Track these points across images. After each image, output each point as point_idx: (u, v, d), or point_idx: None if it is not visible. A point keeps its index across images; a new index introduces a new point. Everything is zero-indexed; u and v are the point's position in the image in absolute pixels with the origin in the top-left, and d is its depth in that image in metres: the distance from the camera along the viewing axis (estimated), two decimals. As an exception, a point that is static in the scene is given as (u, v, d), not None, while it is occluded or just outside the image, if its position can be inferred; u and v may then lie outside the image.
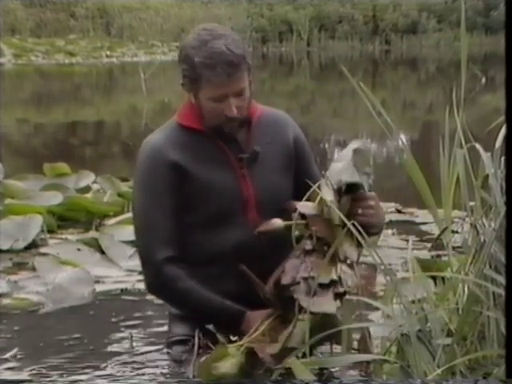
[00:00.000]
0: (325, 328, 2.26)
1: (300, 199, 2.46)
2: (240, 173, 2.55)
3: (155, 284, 2.53)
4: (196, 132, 2.55)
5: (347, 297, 2.30)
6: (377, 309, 2.66)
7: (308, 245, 2.33)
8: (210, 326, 2.50)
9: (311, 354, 2.31)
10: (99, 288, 3.79)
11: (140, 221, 2.56)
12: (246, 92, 2.51)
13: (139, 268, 4.01)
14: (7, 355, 2.88)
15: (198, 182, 2.51)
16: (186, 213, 2.52)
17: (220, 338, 2.44)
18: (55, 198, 5.03)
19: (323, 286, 2.26)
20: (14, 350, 2.92)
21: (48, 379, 2.65)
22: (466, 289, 2.33)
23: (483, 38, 26.98)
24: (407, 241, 4.32)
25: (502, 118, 2.21)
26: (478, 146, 2.32)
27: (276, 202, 2.52)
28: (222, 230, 2.51)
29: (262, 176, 2.55)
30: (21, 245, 4.41)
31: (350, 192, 2.39)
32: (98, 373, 2.70)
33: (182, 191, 2.51)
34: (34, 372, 2.74)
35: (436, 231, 2.80)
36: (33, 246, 4.44)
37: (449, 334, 2.23)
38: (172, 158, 2.50)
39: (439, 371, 2.11)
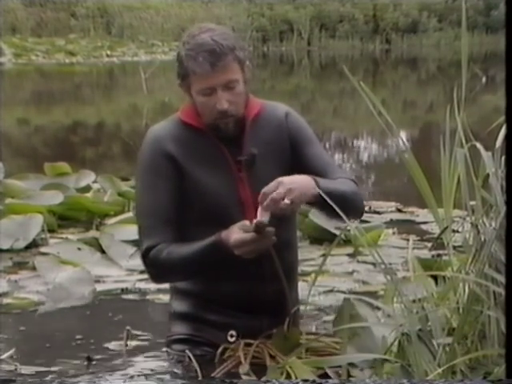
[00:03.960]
0: None
1: None
2: (237, 175, 2.53)
3: (148, 273, 2.56)
4: (196, 130, 2.55)
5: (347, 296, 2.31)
6: (377, 308, 2.66)
7: None
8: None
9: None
10: (100, 287, 3.79)
11: (136, 208, 2.61)
12: (238, 86, 2.48)
13: (139, 267, 4.05)
14: (4, 356, 2.87)
15: (193, 180, 2.51)
16: (181, 207, 2.52)
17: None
18: (56, 198, 5.03)
19: None
20: (11, 351, 2.91)
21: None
22: (466, 288, 2.33)
23: (484, 37, 26.93)
24: (408, 240, 4.33)
25: (503, 118, 2.21)
26: (478, 145, 2.32)
27: None
28: (219, 229, 2.44)
29: (261, 178, 2.51)
30: (21, 244, 4.42)
31: None
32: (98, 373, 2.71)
33: (178, 184, 2.51)
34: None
35: (436, 230, 2.79)
36: (33, 245, 4.44)
37: (449, 333, 2.23)
38: (168, 150, 2.51)
39: (440, 370, 2.11)
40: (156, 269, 2.52)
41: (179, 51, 2.50)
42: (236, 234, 2.33)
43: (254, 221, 2.30)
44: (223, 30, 2.52)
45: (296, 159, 2.58)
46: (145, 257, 2.51)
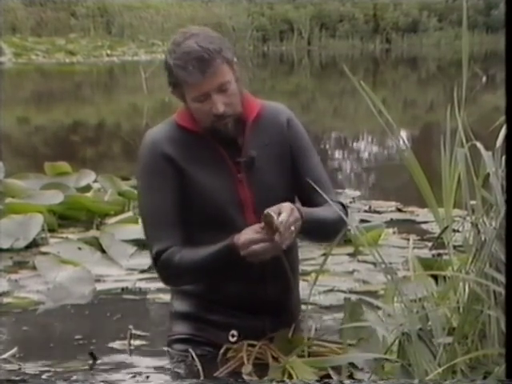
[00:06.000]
0: None
1: (302, 196, 2.49)
2: (236, 177, 2.53)
3: (160, 276, 2.55)
4: (193, 133, 2.54)
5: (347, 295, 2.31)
6: (378, 308, 2.66)
7: None
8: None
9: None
10: (100, 287, 3.79)
11: (140, 212, 2.60)
12: (231, 87, 2.47)
13: (140, 267, 4.06)
14: (6, 355, 2.87)
15: (192, 181, 2.50)
16: (182, 208, 2.51)
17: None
18: (56, 197, 5.03)
19: None
20: (14, 350, 2.91)
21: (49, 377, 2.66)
22: (466, 287, 2.33)
23: (484, 36, 26.91)
24: (408, 240, 4.33)
25: (503, 117, 2.21)
26: (478, 144, 2.32)
27: (274, 204, 2.49)
28: (219, 231, 2.45)
29: (260, 179, 2.53)
30: (21, 244, 4.42)
31: None
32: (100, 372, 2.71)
33: (178, 185, 2.50)
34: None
35: (437, 230, 2.79)
36: (33, 244, 4.44)
37: (449, 332, 2.23)
38: (166, 152, 2.51)
39: (440, 370, 2.11)
40: (168, 272, 2.50)
41: (166, 60, 2.48)
42: (246, 234, 2.33)
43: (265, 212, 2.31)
44: (206, 32, 2.49)
45: (293, 168, 2.59)
46: (156, 260, 2.49)
